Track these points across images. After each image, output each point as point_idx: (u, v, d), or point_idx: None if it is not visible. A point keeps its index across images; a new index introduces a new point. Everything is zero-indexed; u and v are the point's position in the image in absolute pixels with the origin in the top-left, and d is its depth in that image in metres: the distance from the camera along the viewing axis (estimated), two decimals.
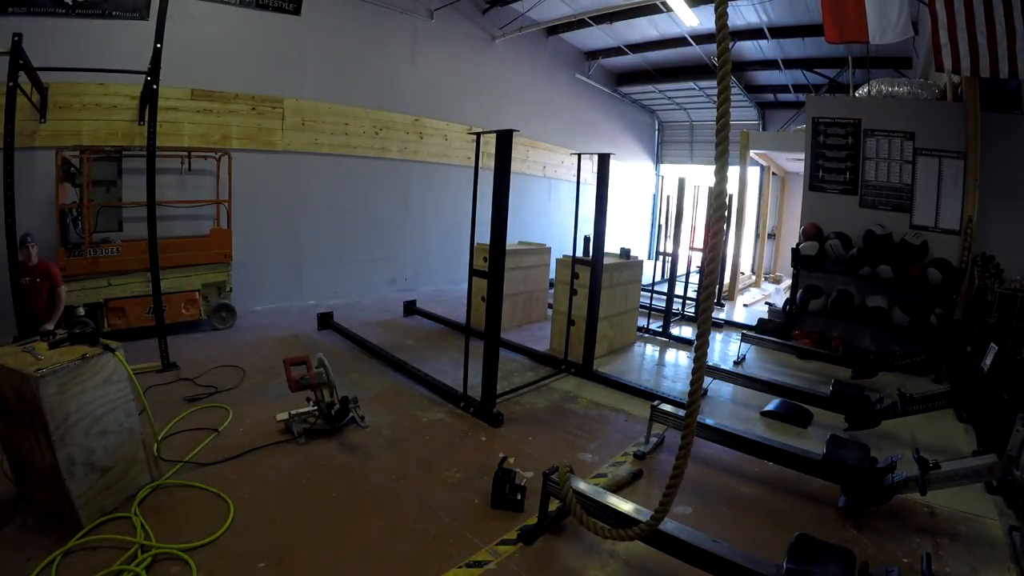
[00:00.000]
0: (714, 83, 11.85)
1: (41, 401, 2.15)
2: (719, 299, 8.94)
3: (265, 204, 6.61)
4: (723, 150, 1.43)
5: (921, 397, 3.79)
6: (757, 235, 11.78)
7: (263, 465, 3.01)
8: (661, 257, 8.42)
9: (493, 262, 3.64)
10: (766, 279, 11.81)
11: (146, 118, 4.57)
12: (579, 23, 9.45)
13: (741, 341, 5.71)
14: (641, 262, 6.17)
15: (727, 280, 9.60)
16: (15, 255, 3.99)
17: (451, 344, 5.50)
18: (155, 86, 4.20)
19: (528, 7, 8.80)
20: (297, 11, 6.59)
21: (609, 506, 2.29)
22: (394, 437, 3.46)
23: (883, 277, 5.64)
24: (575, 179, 5.03)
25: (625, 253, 5.85)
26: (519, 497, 2.72)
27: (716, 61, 1.41)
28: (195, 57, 5.80)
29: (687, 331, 6.80)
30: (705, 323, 1.54)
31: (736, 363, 5.48)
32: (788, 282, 7.24)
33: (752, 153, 9.64)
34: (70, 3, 4.98)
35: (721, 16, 1.36)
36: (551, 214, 11.11)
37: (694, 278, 7.87)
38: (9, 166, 3.85)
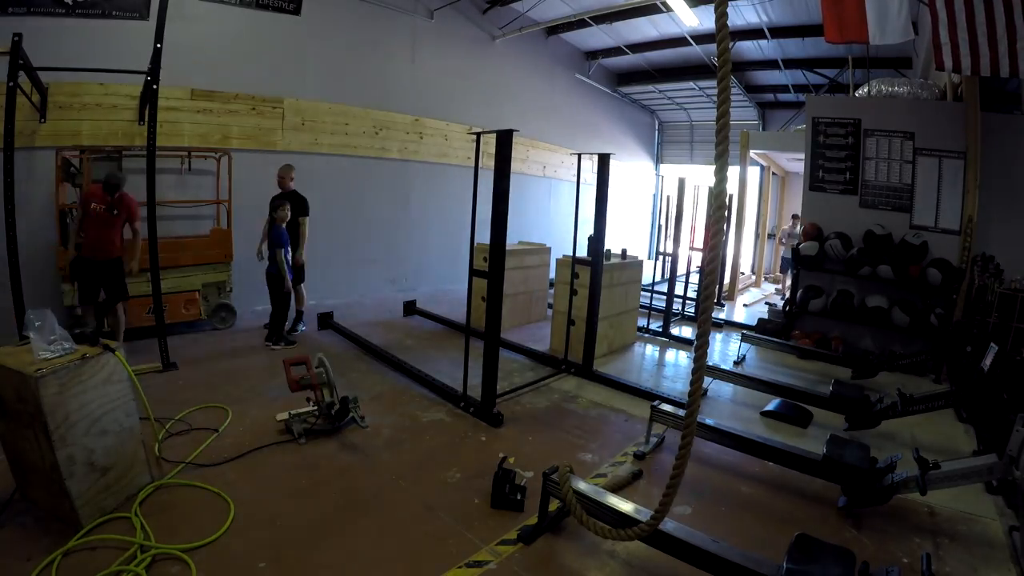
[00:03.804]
0: (714, 83, 11.84)
1: (41, 401, 2.15)
2: (719, 299, 8.94)
3: (265, 204, 6.57)
4: (723, 150, 1.43)
5: (921, 397, 3.79)
6: (757, 235, 11.78)
7: (263, 465, 3.01)
8: (661, 257, 8.42)
9: (493, 262, 3.64)
10: (766, 279, 11.81)
11: (146, 118, 4.57)
12: (579, 23, 9.45)
13: (741, 341, 5.71)
14: (641, 262, 6.17)
15: (727, 280, 9.60)
16: (15, 255, 3.99)
17: (451, 344, 5.50)
18: (155, 86, 4.19)
19: (528, 7, 8.80)
20: (297, 11, 6.59)
21: (609, 506, 2.30)
22: (394, 437, 3.46)
23: (883, 277, 5.64)
24: (575, 179, 5.04)
25: (622, 253, 5.84)
26: (519, 497, 2.73)
27: (716, 61, 1.40)
28: (195, 57, 5.79)
29: (687, 331, 6.80)
30: (705, 323, 1.54)
31: (736, 363, 5.48)
32: (788, 282, 7.25)
33: (752, 153, 9.64)
34: (70, 3, 4.98)
35: (721, 16, 1.36)
36: (551, 214, 11.11)
37: (694, 278, 7.88)
38: (9, 166, 3.85)
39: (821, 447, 2.96)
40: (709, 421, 3.35)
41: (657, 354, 5.84)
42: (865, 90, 6.60)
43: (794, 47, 9.57)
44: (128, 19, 5.30)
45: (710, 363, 4.50)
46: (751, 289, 10.82)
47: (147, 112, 4.44)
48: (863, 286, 5.86)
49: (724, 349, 6.25)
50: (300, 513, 2.59)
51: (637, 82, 12.76)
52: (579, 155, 4.90)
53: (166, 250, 4.94)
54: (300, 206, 5.51)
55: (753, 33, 9.02)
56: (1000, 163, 5.49)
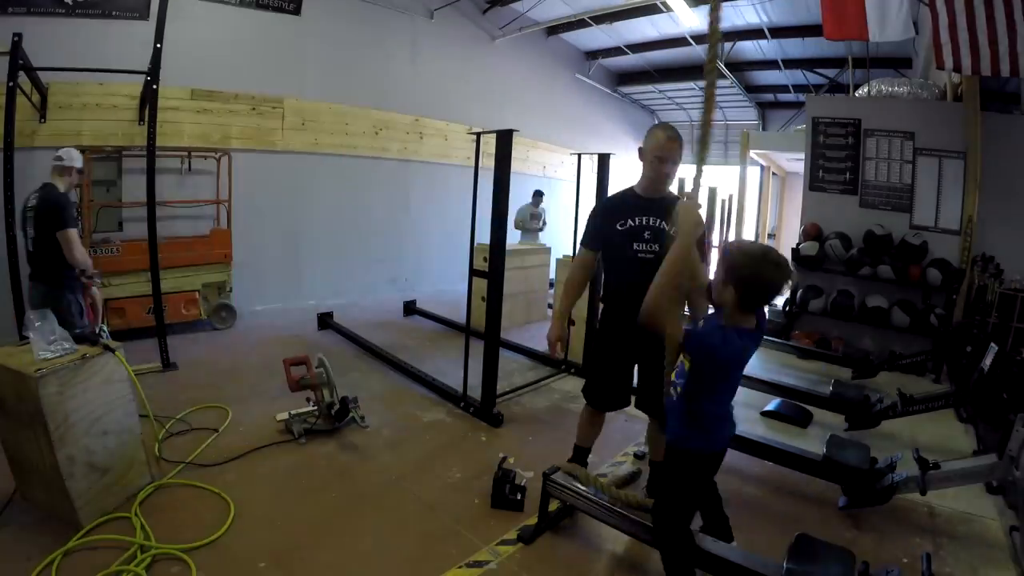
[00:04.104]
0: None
1: (41, 401, 2.15)
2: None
3: (265, 204, 6.61)
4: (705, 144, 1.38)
5: (921, 397, 3.79)
6: (757, 235, 11.76)
7: (263, 465, 3.01)
8: None
9: (493, 262, 3.64)
10: None
11: (146, 118, 4.57)
12: (579, 23, 9.45)
13: None
14: None
15: None
16: (15, 255, 3.98)
17: (451, 344, 5.49)
18: (155, 86, 4.20)
19: (528, 7, 8.80)
20: (297, 11, 6.59)
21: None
22: (394, 437, 3.46)
23: (883, 277, 5.64)
24: (575, 179, 5.03)
25: None
26: (519, 497, 2.72)
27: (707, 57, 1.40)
28: (195, 57, 5.79)
29: None
30: None
31: None
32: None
33: (752, 153, 9.62)
34: (70, 3, 4.98)
35: (715, 22, 1.34)
36: (551, 214, 11.09)
37: None
38: (9, 166, 3.86)
39: (821, 447, 2.96)
40: None
41: None
42: (865, 90, 6.60)
43: (794, 47, 9.56)
44: (128, 19, 5.31)
45: None
46: None
47: (147, 112, 4.44)
48: (863, 286, 5.86)
49: None
50: (300, 513, 2.59)
51: (637, 82, 12.76)
52: (579, 155, 4.90)
53: (166, 250, 4.94)
54: None
55: (753, 33, 9.02)
56: (1000, 163, 5.48)
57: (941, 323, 5.33)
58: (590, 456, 3.33)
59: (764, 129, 12.90)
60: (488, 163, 3.61)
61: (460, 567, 2.28)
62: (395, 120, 7.95)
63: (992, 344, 3.65)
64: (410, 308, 6.86)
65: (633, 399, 2.68)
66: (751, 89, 12.21)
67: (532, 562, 2.33)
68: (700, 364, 1.72)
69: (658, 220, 2.46)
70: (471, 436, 3.54)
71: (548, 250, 7.10)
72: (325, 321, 5.93)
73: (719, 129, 14.44)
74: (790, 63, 10.21)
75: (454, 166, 8.80)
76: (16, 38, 3.86)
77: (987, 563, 2.47)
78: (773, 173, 11.54)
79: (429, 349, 5.41)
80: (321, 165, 7.13)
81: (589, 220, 2.61)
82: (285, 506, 2.64)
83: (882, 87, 6.40)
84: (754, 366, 5.48)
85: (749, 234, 11.02)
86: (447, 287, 8.59)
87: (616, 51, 11.08)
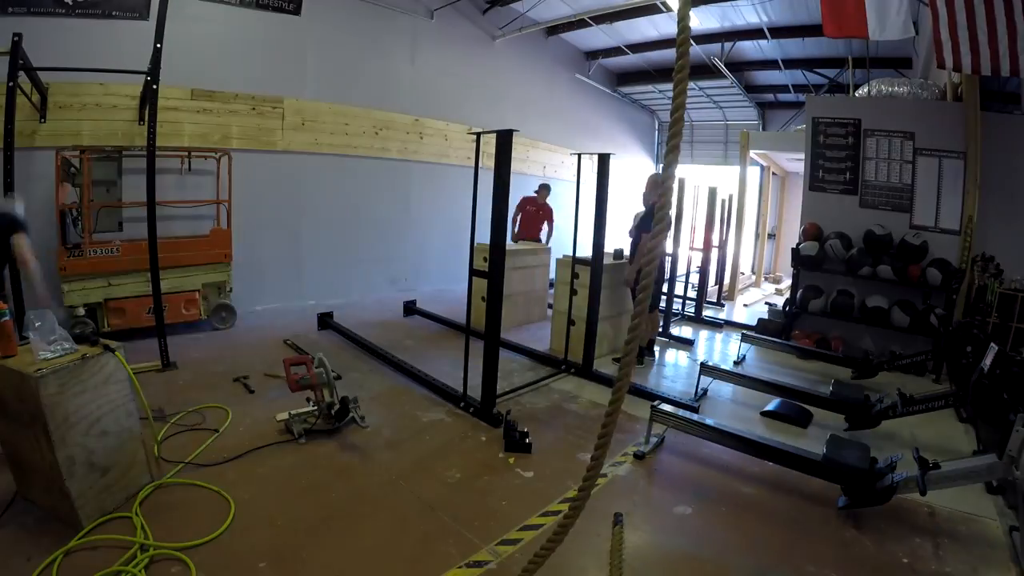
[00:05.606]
0: (714, 83, 11.85)
1: (41, 401, 2.15)
2: (719, 299, 8.95)
3: (265, 204, 6.60)
4: (674, 145, 1.31)
5: (921, 397, 3.79)
6: (757, 235, 11.78)
7: (263, 465, 3.01)
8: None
9: (493, 262, 3.64)
10: (766, 279, 11.80)
11: (146, 118, 4.56)
12: (579, 23, 9.45)
13: (741, 341, 5.71)
14: None
15: (727, 280, 9.60)
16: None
17: (451, 344, 5.49)
18: (155, 86, 4.19)
19: (528, 7, 8.80)
20: (297, 11, 6.59)
21: None
22: (394, 437, 3.46)
23: (883, 277, 5.64)
24: (575, 179, 5.03)
25: (617, 254, 5.82)
26: (527, 441, 3.20)
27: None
28: (195, 57, 5.79)
29: (687, 331, 6.80)
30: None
31: (736, 363, 5.48)
32: (788, 282, 7.25)
33: (752, 153, 9.63)
34: (70, 3, 4.98)
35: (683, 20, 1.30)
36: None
37: (694, 278, 7.87)
38: (9, 166, 3.86)
39: (821, 447, 2.96)
40: (709, 421, 3.35)
41: (657, 354, 5.84)
42: (865, 90, 6.60)
43: (794, 47, 9.56)
44: (128, 19, 5.31)
45: (710, 363, 4.50)
46: (751, 289, 10.81)
47: (147, 112, 4.44)
48: (863, 286, 5.86)
49: (724, 349, 6.25)
50: (300, 513, 2.59)
51: (637, 82, 12.76)
52: (579, 155, 4.90)
53: (166, 250, 4.93)
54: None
55: (753, 33, 9.02)
56: (1000, 163, 5.48)
57: (941, 323, 5.33)
58: (589, 456, 3.33)
59: (764, 129, 12.89)
60: (488, 163, 3.61)
61: (460, 567, 2.28)
62: (395, 120, 7.95)
63: (992, 344, 3.65)
64: (410, 308, 6.86)
65: None
66: (751, 89, 12.21)
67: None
68: None
69: None
70: (471, 436, 3.54)
71: (548, 250, 7.10)
72: (325, 321, 5.93)
73: (719, 129, 14.45)
74: (790, 63, 10.21)
75: (454, 166, 8.80)
76: (16, 38, 3.87)
77: (987, 563, 2.47)
78: (773, 173, 11.56)
79: (429, 349, 5.41)
80: (321, 165, 7.13)
81: None
82: (285, 506, 2.64)
83: (882, 87, 6.40)
84: (754, 366, 5.50)
85: (749, 234, 11.04)
86: (447, 287, 8.59)
87: (616, 51, 11.07)
